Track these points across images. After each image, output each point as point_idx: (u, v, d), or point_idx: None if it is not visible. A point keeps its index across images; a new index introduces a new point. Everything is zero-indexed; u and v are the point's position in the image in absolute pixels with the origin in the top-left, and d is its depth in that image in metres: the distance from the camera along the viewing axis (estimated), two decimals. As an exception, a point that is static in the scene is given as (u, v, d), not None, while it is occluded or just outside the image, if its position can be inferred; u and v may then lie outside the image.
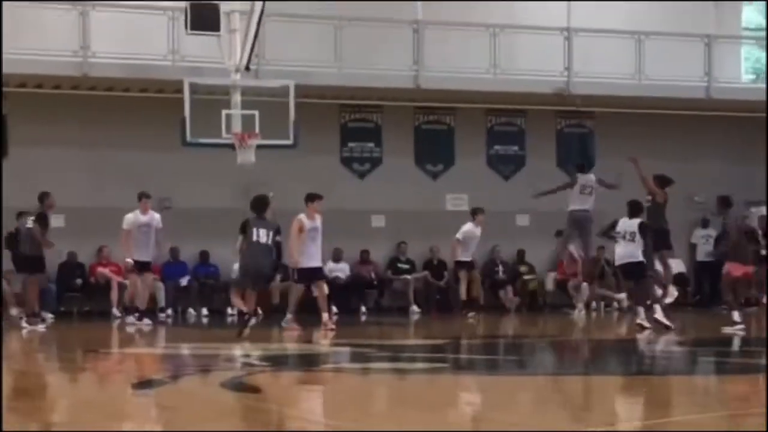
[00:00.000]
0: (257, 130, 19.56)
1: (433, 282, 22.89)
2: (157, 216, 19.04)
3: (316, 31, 21.78)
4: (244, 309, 16.08)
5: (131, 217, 18.89)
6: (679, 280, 23.56)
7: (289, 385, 10.79)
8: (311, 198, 17.55)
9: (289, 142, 20.00)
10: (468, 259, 20.99)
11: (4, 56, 19.20)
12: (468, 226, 20.99)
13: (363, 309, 22.25)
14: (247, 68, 20.08)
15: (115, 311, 20.02)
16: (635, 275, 17.41)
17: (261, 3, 19.29)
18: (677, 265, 23.46)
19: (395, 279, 22.96)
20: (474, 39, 22.70)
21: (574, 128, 24.83)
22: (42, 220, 17.72)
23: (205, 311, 21.73)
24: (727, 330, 16.52)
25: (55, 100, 21.24)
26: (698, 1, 24.45)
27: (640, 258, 17.23)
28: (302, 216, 17.27)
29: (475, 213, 21.02)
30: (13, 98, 21.10)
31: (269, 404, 9.32)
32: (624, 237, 17.19)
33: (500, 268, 23.42)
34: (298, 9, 21.29)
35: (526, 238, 23.26)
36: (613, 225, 17.65)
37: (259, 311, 17.58)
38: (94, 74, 20.70)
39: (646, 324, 16.73)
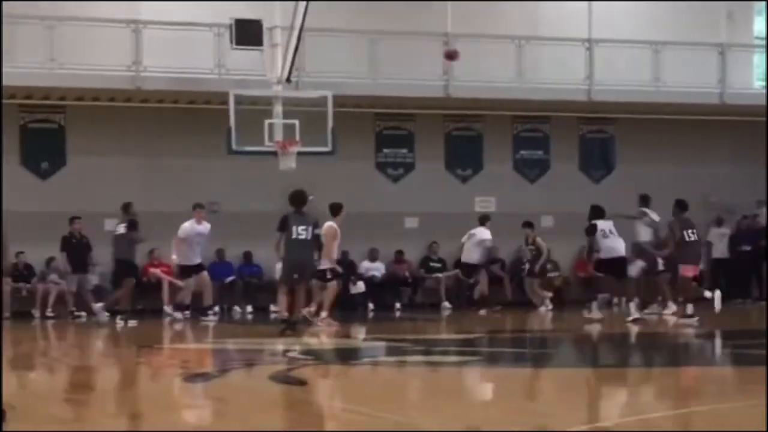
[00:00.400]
0: (298, 138, 19.70)
1: (463, 280, 22.81)
2: (208, 225, 19.22)
3: (352, 45, 21.78)
4: (284, 315, 15.82)
5: (188, 227, 19.03)
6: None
7: (333, 378, 10.81)
8: (341, 207, 17.42)
9: (328, 149, 20.08)
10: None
11: (65, 72, 19.40)
12: (487, 232, 21.16)
13: (398, 305, 22.22)
14: (288, 80, 20.21)
15: (167, 309, 20.06)
16: (621, 270, 17.97)
17: (301, 19, 19.37)
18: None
19: (428, 277, 22.91)
20: (501, 50, 22.65)
21: (596, 134, 24.71)
22: (133, 226, 18.52)
23: (249, 308, 21.75)
24: (683, 321, 16.87)
25: (110, 112, 21.33)
26: (712, 13, 24.29)
27: (624, 253, 17.84)
28: (333, 223, 17.15)
29: (486, 219, 21.28)
30: (71, 111, 21.35)
31: (316, 396, 9.33)
32: (611, 233, 17.85)
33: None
34: (336, 24, 21.31)
35: (550, 237, 23.08)
36: (594, 228, 17.95)
37: (304, 312, 17.30)
38: (146, 87, 20.80)
39: (638, 315, 17.22)
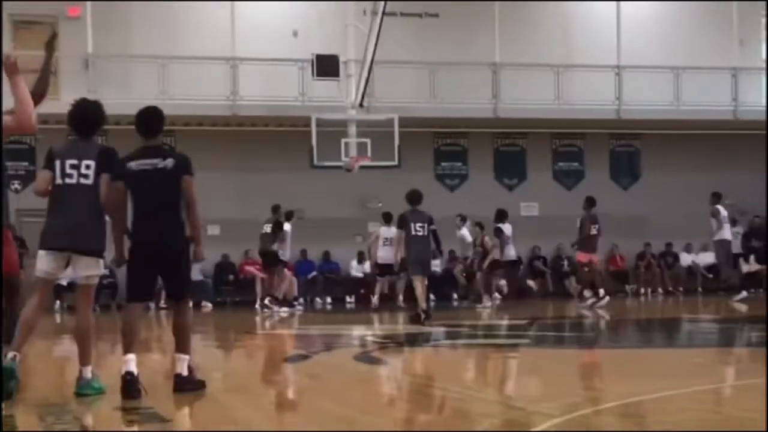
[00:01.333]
0: (369, 154, 20.01)
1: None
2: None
3: (415, 74, 22.11)
4: (423, 306, 15.20)
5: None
6: (711, 269, 23.44)
7: (410, 358, 10.87)
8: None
9: (395, 163, 20.41)
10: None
11: (176, 102, 19.90)
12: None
13: (454, 296, 22.42)
14: (361, 105, 20.55)
15: (260, 300, 20.35)
16: (513, 273, 18.80)
17: (371, 53, 19.71)
18: (708, 257, 23.30)
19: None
20: (541, 76, 22.83)
21: (624, 147, 24.81)
22: (278, 225, 18.76)
23: (328, 300, 22.09)
24: (582, 307, 17.57)
25: (212, 135, 21.84)
26: (726, 40, 24.21)
27: (516, 258, 18.67)
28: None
29: (465, 220, 21.16)
30: (179, 134, 21.79)
31: (399, 373, 9.43)
32: (509, 241, 18.63)
33: (565, 262, 23.46)
34: (401, 57, 21.62)
35: (585, 237, 23.20)
36: (501, 230, 18.51)
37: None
38: (241, 114, 21.29)
39: (488, 305, 17.96)
